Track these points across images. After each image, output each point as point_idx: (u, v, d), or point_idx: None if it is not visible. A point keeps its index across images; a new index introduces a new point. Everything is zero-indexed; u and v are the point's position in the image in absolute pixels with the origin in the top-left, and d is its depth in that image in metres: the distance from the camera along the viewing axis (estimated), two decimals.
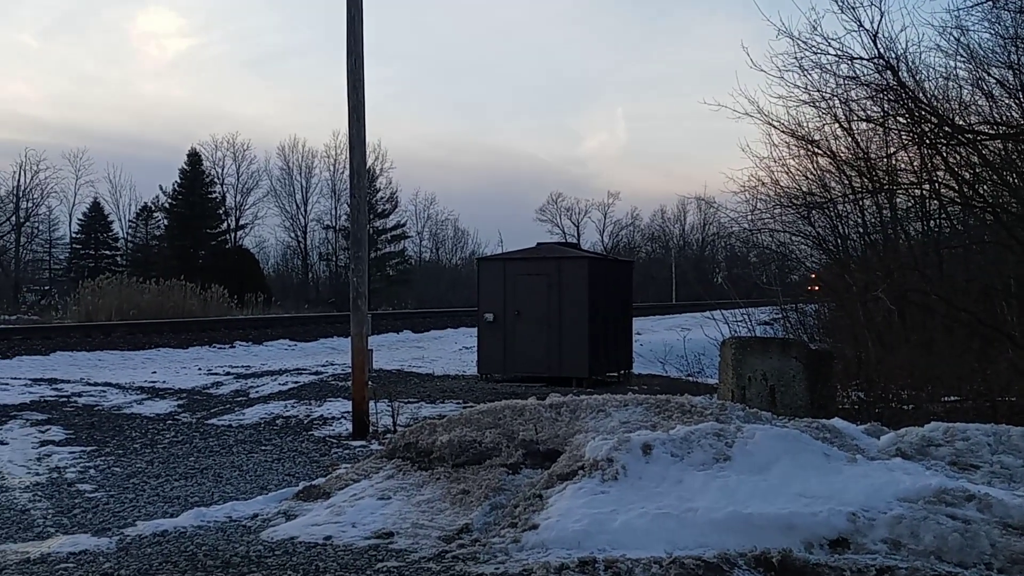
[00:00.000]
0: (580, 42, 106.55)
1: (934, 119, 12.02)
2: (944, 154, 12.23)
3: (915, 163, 13.32)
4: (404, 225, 67.01)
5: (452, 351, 22.15)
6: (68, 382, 15.04)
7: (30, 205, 56.27)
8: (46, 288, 52.66)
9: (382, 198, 62.64)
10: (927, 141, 12.21)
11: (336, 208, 62.34)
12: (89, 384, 14.87)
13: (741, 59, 29.28)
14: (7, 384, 14.46)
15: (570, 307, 16.17)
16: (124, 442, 10.04)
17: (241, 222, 62.25)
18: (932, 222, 15.17)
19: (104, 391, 14.07)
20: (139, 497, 7.45)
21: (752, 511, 5.37)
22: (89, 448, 9.65)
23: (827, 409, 9.24)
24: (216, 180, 61.20)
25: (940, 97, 13.00)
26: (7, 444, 9.79)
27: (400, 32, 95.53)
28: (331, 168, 63.19)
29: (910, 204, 14.78)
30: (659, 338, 22.29)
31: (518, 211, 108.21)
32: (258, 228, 64.03)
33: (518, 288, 16.51)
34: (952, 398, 10.39)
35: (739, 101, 20.66)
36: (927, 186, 13.28)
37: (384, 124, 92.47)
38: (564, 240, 53.79)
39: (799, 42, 12.41)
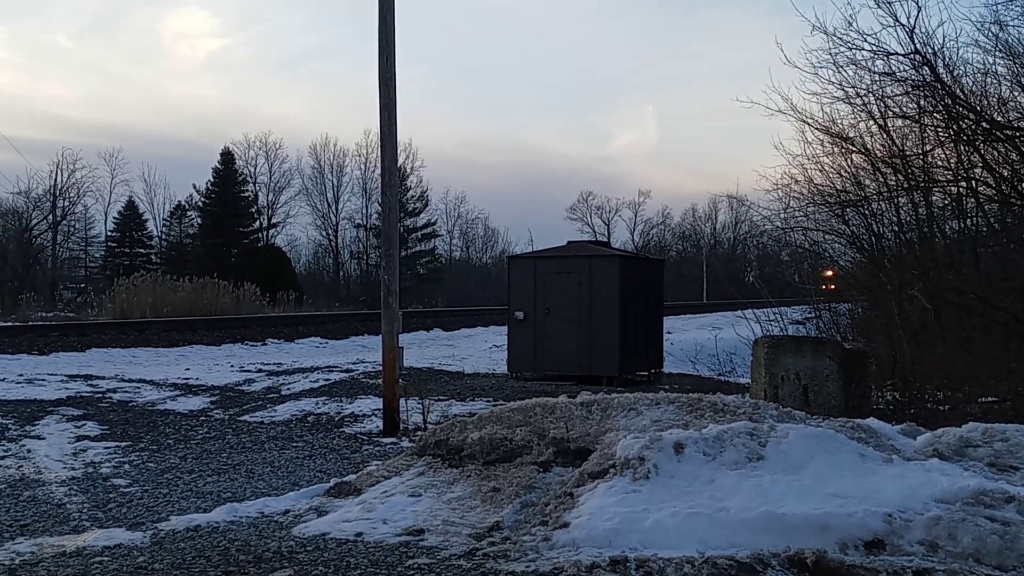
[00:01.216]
0: (609, 40, 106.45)
1: (972, 115, 11.84)
2: (982, 151, 12.05)
3: (952, 160, 13.12)
4: (434, 224, 67.34)
5: (482, 349, 22.17)
6: (103, 378, 15.22)
7: (67, 204, 57.09)
8: (82, 286, 53.45)
9: (413, 196, 62.91)
10: (964, 138, 12.03)
11: (367, 207, 62.78)
12: (124, 380, 15.04)
13: (774, 56, 29.09)
14: (44, 380, 14.67)
15: (601, 306, 16.11)
16: (158, 438, 10.13)
17: (273, 220, 62.91)
18: (969, 220, 14.92)
19: (138, 387, 14.23)
20: (172, 492, 7.52)
21: (786, 511, 5.31)
22: (124, 443, 9.75)
23: (861, 409, 9.13)
24: (249, 179, 61.86)
25: (978, 93, 12.78)
26: (44, 439, 9.92)
27: (429, 31, 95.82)
28: (362, 167, 63.65)
29: (946, 202, 14.56)
30: (690, 337, 22.17)
31: (548, 210, 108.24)
32: (290, 226, 64.65)
33: (548, 286, 16.48)
34: (990, 398, 10.22)
35: (772, 98, 20.48)
36: (964, 183, 13.07)
37: (414, 123, 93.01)
38: (594, 239, 53.62)
39: (834, 38, 12.28)
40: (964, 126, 11.91)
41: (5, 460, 8.76)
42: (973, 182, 12.81)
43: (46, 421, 10.99)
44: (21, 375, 15.17)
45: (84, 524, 6.46)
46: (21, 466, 8.52)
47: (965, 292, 11.85)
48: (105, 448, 9.47)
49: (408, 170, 60.92)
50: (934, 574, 4.79)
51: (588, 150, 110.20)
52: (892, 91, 12.65)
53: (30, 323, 25.25)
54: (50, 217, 55.86)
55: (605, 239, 64.28)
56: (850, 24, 12.09)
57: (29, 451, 9.24)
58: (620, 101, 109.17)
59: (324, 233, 64.79)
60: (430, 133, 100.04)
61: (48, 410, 11.73)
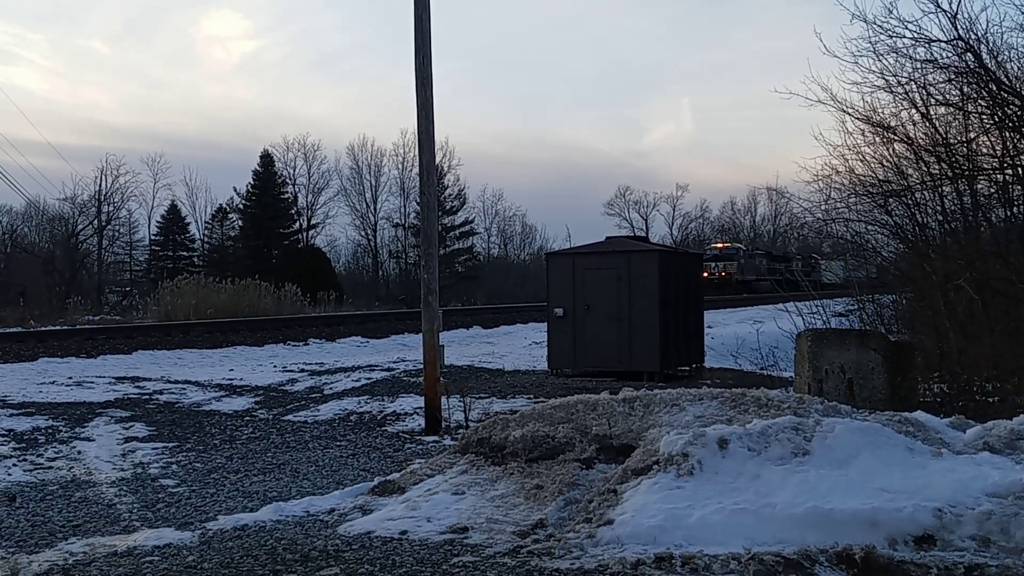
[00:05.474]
0: (642, 31, 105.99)
1: (1017, 101, 11.63)
2: None
3: (997, 147, 12.88)
4: (472, 222, 67.39)
5: (522, 346, 22.17)
6: (150, 380, 15.45)
7: (111, 209, 58.02)
8: (127, 289, 54.23)
9: (450, 195, 63.02)
10: (1010, 124, 11.82)
11: (405, 206, 63.05)
12: (169, 382, 15.25)
13: (812, 45, 28.83)
14: (92, 382, 14.93)
15: (640, 301, 16.03)
16: (204, 438, 10.27)
17: (312, 221, 63.40)
18: (1016, 208, 14.62)
19: (184, 388, 14.43)
20: (219, 492, 7.61)
21: (833, 506, 5.26)
22: (171, 444, 9.89)
23: (908, 402, 8.99)
24: (288, 181, 62.40)
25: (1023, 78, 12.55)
26: (94, 440, 10.09)
27: (462, 27, 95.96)
28: (399, 166, 63.92)
29: (992, 190, 14.27)
30: (731, 331, 21.98)
31: (585, 205, 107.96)
32: (329, 227, 65.16)
33: (587, 282, 16.42)
34: None
35: (811, 88, 20.15)
36: (1010, 171, 12.83)
37: (449, 120, 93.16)
38: (633, 234, 53.33)
39: (874, 26, 12.12)
40: (1010, 112, 11.70)
41: (57, 462, 8.94)
42: (1020, 169, 12.57)
43: (95, 423, 11.18)
44: (70, 378, 15.45)
45: (134, 524, 6.57)
46: (72, 467, 8.68)
47: (1013, 281, 11.62)
48: (153, 449, 9.61)
49: (445, 168, 61.04)
50: (987, 570, 4.71)
51: (624, 144, 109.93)
52: (934, 79, 12.46)
53: (78, 326, 25.69)
54: (95, 222, 56.81)
55: (643, 234, 63.98)
56: (890, 11, 11.93)
57: (79, 453, 9.41)
58: (655, 93, 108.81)
59: (363, 233, 65.24)
60: (465, 130, 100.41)
61: (97, 412, 11.93)
